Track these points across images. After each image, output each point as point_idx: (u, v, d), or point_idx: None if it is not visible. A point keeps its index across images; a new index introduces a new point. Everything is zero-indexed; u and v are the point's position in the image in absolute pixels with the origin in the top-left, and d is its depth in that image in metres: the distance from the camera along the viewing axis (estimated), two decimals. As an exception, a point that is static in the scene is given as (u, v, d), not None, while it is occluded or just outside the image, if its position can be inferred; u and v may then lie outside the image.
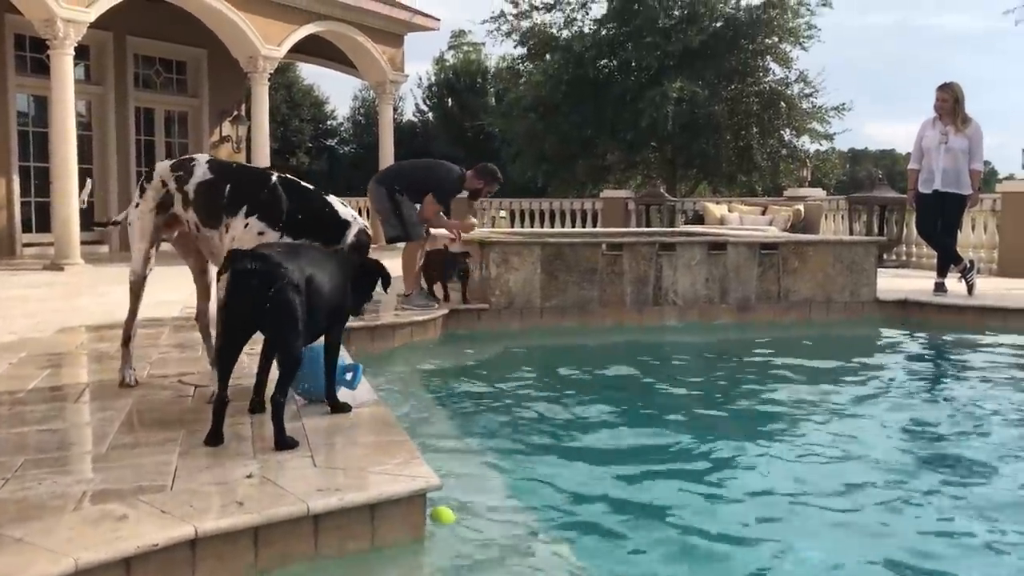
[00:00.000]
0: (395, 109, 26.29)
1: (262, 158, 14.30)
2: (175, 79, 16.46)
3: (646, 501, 3.39)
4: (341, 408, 3.68)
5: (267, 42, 13.98)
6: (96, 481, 2.82)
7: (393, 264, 4.99)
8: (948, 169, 8.59)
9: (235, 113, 16.68)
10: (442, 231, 7.92)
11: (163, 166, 4.16)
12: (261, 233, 3.87)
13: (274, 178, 4.04)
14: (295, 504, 2.60)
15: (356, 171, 32.30)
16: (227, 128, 16.78)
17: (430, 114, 37.78)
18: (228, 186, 3.97)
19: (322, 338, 3.61)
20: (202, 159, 4.13)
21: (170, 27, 14.79)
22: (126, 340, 4.29)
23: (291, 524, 2.57)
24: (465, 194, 7.99)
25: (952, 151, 8.58)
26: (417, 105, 38.59)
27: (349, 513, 2.67)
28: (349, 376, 3.94)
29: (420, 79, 38.23)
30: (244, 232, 3.87)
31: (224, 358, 3.23)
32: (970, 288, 8.54)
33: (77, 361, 5.16)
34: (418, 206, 7.47)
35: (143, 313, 4.48)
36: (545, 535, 3.02)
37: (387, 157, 16.56)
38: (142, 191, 4.17)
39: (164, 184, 4.08)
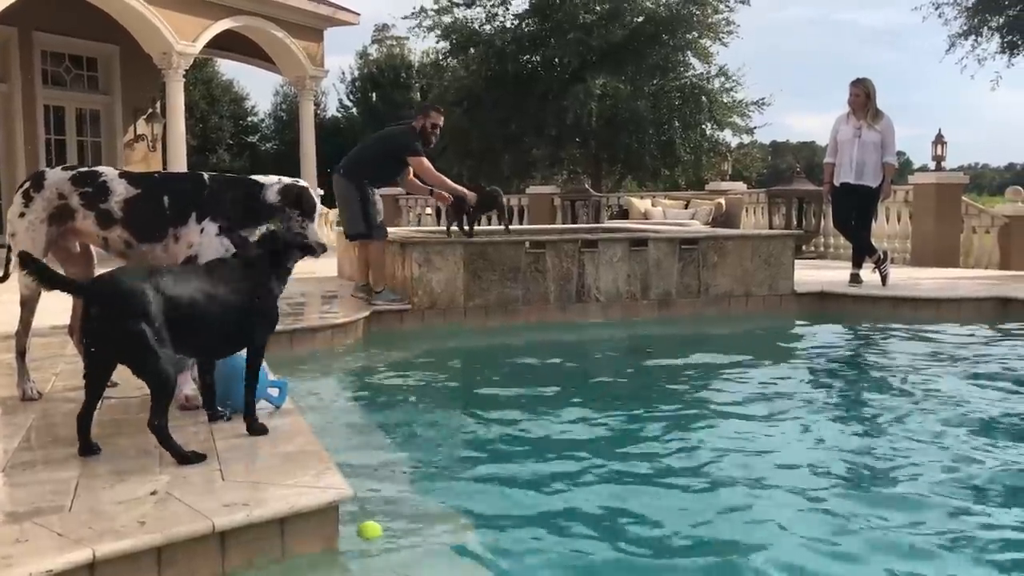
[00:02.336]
0: (317, 104, 25.94)
1: (179, 156, 13.96)
2: (86, 76, 15.95)
3: (568, 502, 3.38)
4: (258, 430, 3.44)
5: (181, 37, 13.62)
6: (-10, 503, 2.69)
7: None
8: (861, 162, 8.80)
9: (149, 111, 16.23)
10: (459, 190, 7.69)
11: (58, 176, 3.97)
12: (218, 235, 3.87)
13: (206, 176, 4.04)
14: (200, 521, 2.51)
15: (279, 168, 31.73)
16: (142, 126, 16.33)
17: (354, 109, 37.46)
18: (165, 197, 3.91)
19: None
20: (111, 173, 4.01)
21: (79, 22, 14.31)
22: (21, 353, 4.11)
23: (196, 542, 2.49)
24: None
25: (865, 145, 8.79)
26: (340, 100, 38.25)
27: (257, 528, 2.60)
28: (275, 393, 3.85)
29: (343, 74, 37.89)
30: (202, 237, 3.86)
31: (90, 379, 3.12)
32: (884, 278, 8.76)
33: (-22, 373, 4.95)
34: (379, 197, 7.41)
35: (49, 321, 4.33)
36: (468, 542, 2.98)
37: (309, 154, 16.33)
38: (27, 199, 3.95)
39: (62, 196, 3.91)
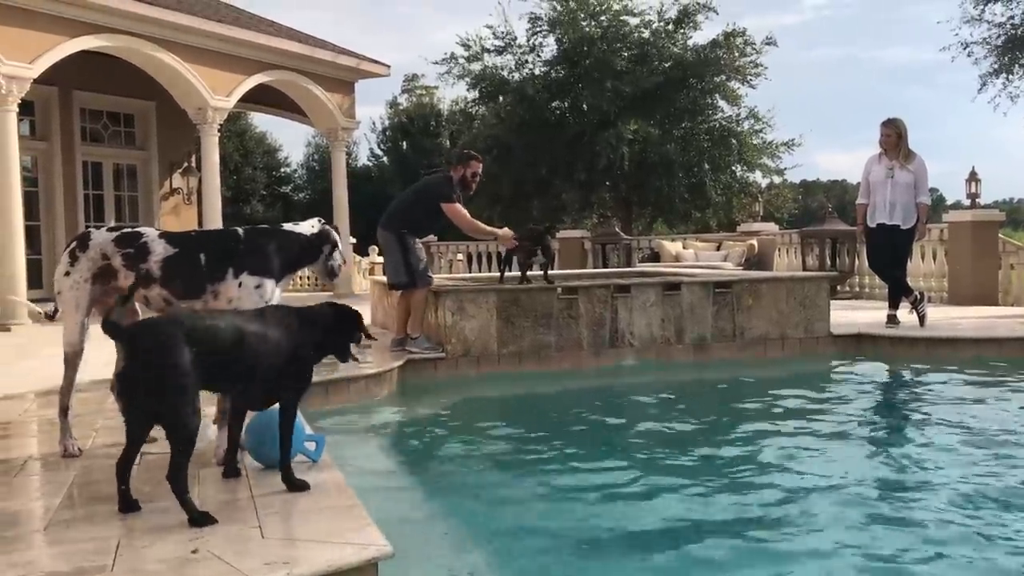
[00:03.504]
0: (348, 154, 26.25)
1: (214, 208, 14.15)
2: (123, 132, 16.32)
3: (605, 559, 3.34)
4: (298, 486, 3.40)
5: (216, 93, 13.90)
6: (32, 563, 2.70)
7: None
8: (895, 203, 8.73)
9: (185, 165, 16.54)
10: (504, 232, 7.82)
11: (103, 238, 4.10)
12: (259, 286, 4.02)
13: (240, 231, 4.19)
14: (241, 581, 2.51)
15: (312, 217, 32.10)
16: (177, 180, 16.63)
17: (384, 158, 37.84)
18: (202, 255, 4.05)
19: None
20: (151, 233, 4.15)
21: (117, 80, 14.67)
22: (63, 411, 4.17)
23: (237, 602, 2.49)
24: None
25: (898, 185, 8.73)
26: (371, 149, 38.66)
27: (297, 587, 2.59)
28: (312, 447, 3.86)
29: (374, 123, 38.35)
30: (240, 291, 4.00)
31: (129, 427, 3.12)
32: (922, 319, 8.65)
33: (23, 430, 5.01)
34: (420, 245, 7.53)
35: (90, 375, 4.39)
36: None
37: (341, 202, 16.50)
38: (73, 258, 4.08)
39: (105, 257, 4.03)
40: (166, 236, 4.14)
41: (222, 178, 15.71)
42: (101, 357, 4.25)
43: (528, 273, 7.95)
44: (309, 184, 39.27)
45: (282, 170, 40.07)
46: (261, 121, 37.08)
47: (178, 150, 16.47)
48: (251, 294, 4.00)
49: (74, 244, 4.14)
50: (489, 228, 7.70)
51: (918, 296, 8.83)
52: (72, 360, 4.20)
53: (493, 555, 3.36)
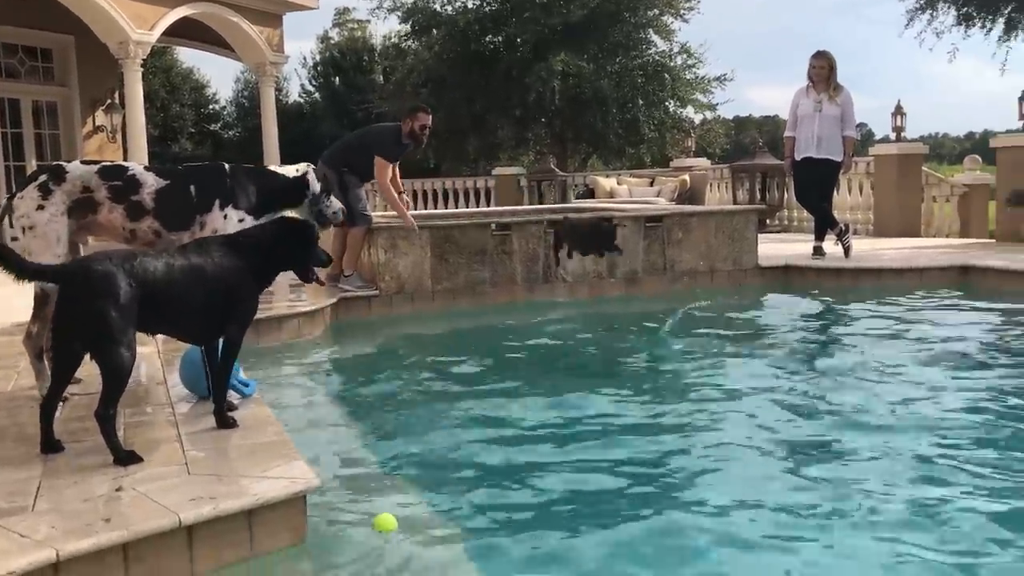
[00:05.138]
0: (279, 90, 25.72)
1: (139, 146, 13.74)
2: (41, 67, 15.65)
3: (538, 487, 3.40)
4: (227, 424, 3.38)
5: (138, 26, 13.39)
6: (-48, 506, 2.67)
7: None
8: (823, 136, 8.87)
9: (108, 102, 15.99)
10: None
11: (85, 169, 4.02)
12: (241, 220, 4.10)
13: (226, 166, 4.28)
14: (166, 516, 2.51)
15: (241, 155, 31.44)
16: (100, 118, 16.07)
17: (316, 94, 37.06)
18: (193, 187, 4.12)
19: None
20: (136, 166, 4.18)
21: (32, 12, 14.03)
22: (39, 354, 4.02)
23: (163, 538, 2.49)
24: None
25: (826, 119, 8.86)
26: (303, 85, 37.79)
27: (225, 521, 2.60)
28: (245, 379, 3.86)
29: (304, 59, 37.47)
30: (225, 223, 4.08)
31: (56, 365, 3.06)
32: (847, 251, 8.86)
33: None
34: (361, 190, 7.53)
35: (11, 318, 4.28)
36: (437, 529, 3.00)
37: (271, 140, 16.14)
38: (46, 192, 3.92)
39: (87, 190, 3.94)
40: (154, 169, 4.16)
41: (148, 116, 15.26)
42: (26, 299, 4.16)
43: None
44: (239, 121, 38.31)
45: (211, 107, 38.99)
46: (188, 56, 35.96)
47: (100, 86, 15.89)
48: (235, 228, 4.03)
49: (44, 177, 3.96)
50: (400, 208, 7.59)
51: (843, 228, 9.02)
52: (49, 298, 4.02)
53: (421, 487, 3.40)
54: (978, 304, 7.05)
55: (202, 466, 2.96)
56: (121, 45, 13.44)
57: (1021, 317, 6.68)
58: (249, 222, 4.08)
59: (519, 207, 13.44)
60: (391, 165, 7.56)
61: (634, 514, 3.10)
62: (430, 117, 7.75)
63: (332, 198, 4.45)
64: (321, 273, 3.83)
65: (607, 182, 15.86)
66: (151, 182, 4.04)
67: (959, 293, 7.45)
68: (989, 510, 3.03)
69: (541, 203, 15.45)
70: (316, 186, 4.38)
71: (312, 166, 4.47)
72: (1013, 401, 4.35)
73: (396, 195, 7.62)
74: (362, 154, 7.54)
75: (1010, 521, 2.94)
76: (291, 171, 4.39)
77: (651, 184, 15.50)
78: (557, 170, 17.18)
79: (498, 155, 25.48)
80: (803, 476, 3.44)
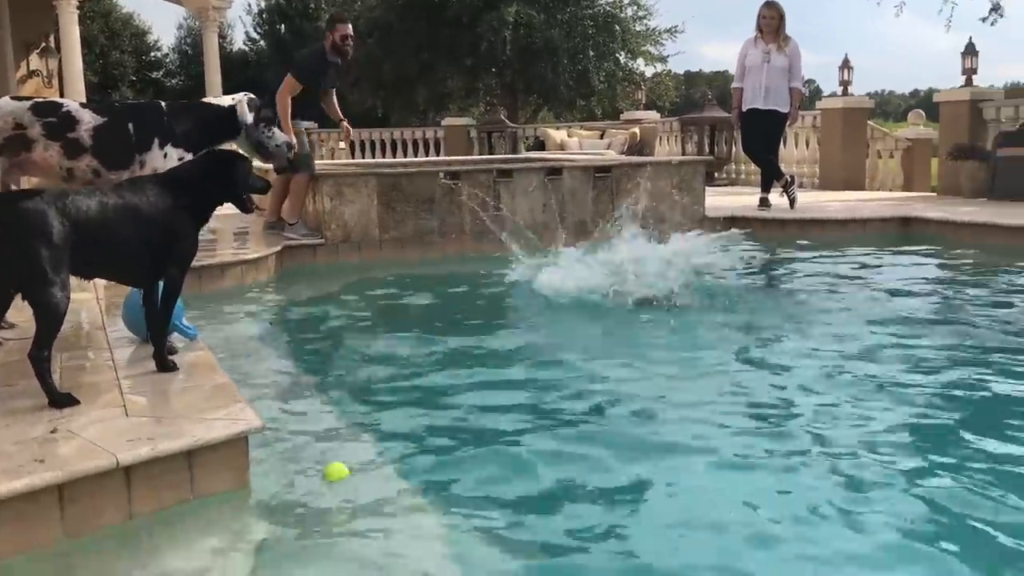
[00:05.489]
0: (223, 38, 25.14)
1: (77, 92, 13.33)
2: (-29, 8, 15.08)
3: (481, 427, 3.40)
4: (166, 366, 3.31)
5: (72, -34, 12.93)
6: None
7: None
8: (770, 87, 8.91)
9: (43, 45, 15.47)
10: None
11: (16, 105, 3.88)
12: (181, 158, 4.02)
13: (163, 104, 4.20)
14: (102, 457, 2.46)
15: (186, 105, 30.73)
16: (35, 62, 15.57)
17: (262, 42, 36.30)
18: (130, 124, 4.04)
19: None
20: (72, 103, 4.09)
21: (-40, -50, 13.48)
22: None
23: (99, 479, 2.44)
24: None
25: (774, 70, 8.89)
26: (248, 33, 37.00)
27: (164, 463, 2.56)
28: (188, 323, 3.79)
29: (249, 5, 36.67)
30: (165, 162, 3.99)
31: None
32: (792, 202, 8.95)
33: None
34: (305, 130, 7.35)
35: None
36: (378, 470, 2.99)
37: (215, 88, 15.76)
38: None
39: (19, 127, 3.80)
40: (91, 106, 4.08)
41: (87, 62, 14.78)
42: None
43: None
44: (182, 69, 37.44)
45: (152, 54, 38.04)
46: (127, 0, 34.90)
47: (34, 30, 15.36)
48: (174, 165, 3.93)
49: None
50: (286, 123, 7.05)
51: (789, 180, 9.11)
52: None
53: (368, 432, 3.38)
54: (919, 253, 7.19)
55: (141, 408, 2.90)
56: (55, -15, 12.98)
57: (961, 263, 6.84)
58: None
59: (469, 157, 13.34)
60: (295, 85, 7.23)
61: (591, 454, 3.11)
62: (349, 26, 7.52)
63: (275, 130, 4.30)
64: (259, 200, 3.74)
65: (557, 134, 15.81)
66: (88, 119, 3.93)
67: (901, 244, 7.59)
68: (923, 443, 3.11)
69: (491, 155, 15.36)
70: (248, 116, 4.23)
71: (250, 95, 4.32)
72: (950, 341, 4.45)
73: (285, 118, 7.21)
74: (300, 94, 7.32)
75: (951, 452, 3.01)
76: (227, 101, 4.29)
77: (601, 136, 15.48)
78: (507, 122, 17.08)
79: (448, 106, 25.26)
80: (734, 417, 3.48)
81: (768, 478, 2.89)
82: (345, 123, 7.99)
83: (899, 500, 2.71)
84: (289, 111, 7.20)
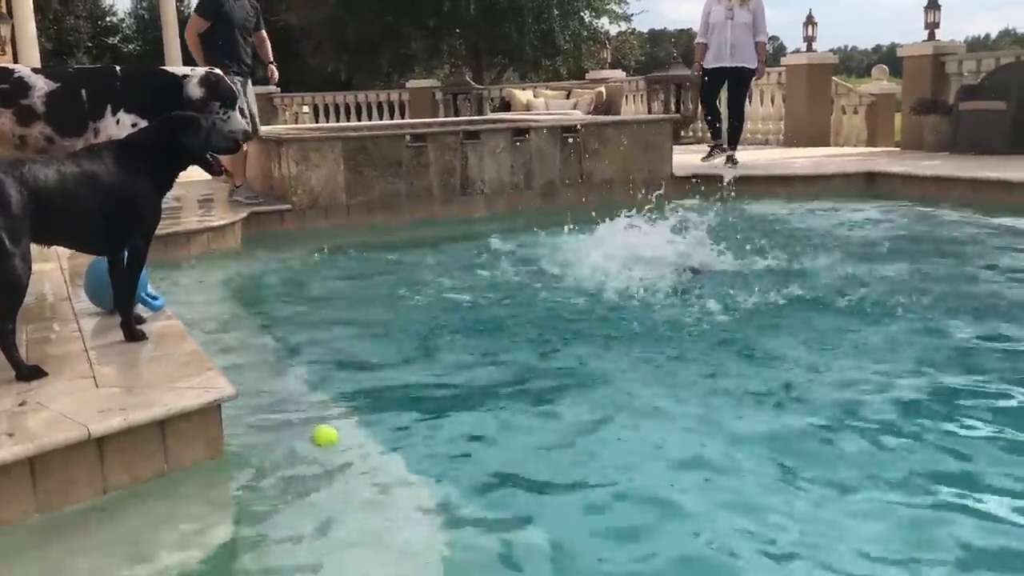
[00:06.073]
0: (180, 1, 24.59)
1: (32, 60, 13.02)
2: (-82, -27, 14.63)
3: (452, 394, 3.41)
4: (135, 336, 3.28)
5: (22, -71, 12.58)
6: None
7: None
8: (736, 44, 8.91)
9: (-6, 11, 15.07)
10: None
11: None
12: (135, 124, 3.92)
13: (117, 69, 4.11)
14: (74, 429, 2.44)
15: (144, 71, 30.14)
16: (-13, 28, 15.17)
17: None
18: (83, 90, 3.95)
19: None
20: (23, 68, 3.98)
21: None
22: None
23: (71, 451, 2.42)
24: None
25: (738, 26, 8.89)
26: (206, -4, 36.23)
27: (137, 433, 2.54)
28: (154, 293, 3.74)
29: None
30: (119, 128, 3.91)
31: None
32: (729, 159, 9.05)
33: None
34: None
35: None
36: (351, 437, 2.98)
37: (173, 54, 15.46)
38: None
39: None
40: (43, 71, 3.97)
41: (41, 28, 14.44)
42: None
43: None
44: (139, 35, 36.71)
45: (108, 20, 37.24)
46: (80, -36, 34.06)
47: (-16, -5, 14.95)
48: (128, 132, 3.82)
49: None
50: (198, 56, 7.17)
51: (722, 146, 9.21)
52: None
53: (343, 399, 3.37)
54: (884, 207, 7.27)
55: (111, 379, 2.88)
56: (5, -51, 12.61)
57: (924, 215, 6.93)
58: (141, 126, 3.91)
59: (435, 120, 13.23)
60: (199, 22, 7.20)
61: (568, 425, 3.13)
62: None
63: (234, 115, 4.03)
64: (226, 161, 3.66)
65: (523, 95, 15.70)
66: (41, 85, 3.85)
67: (865, 198, 7.66)
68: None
69: (457, 116, 15.24)
70: (195, 92, 4.03)
71: (214, 71, 4.21)
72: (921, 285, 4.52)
73: (193, 47, 7.26)
74: (212, 36, 7.15)
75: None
76: (181, 72, 4.19)
77: (568, 96, 15.39)
78: (472, 83, 16.94)
79: (412, 68, 25.01)
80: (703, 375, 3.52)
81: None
82: (272, 65, 7.82)
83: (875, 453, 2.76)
84: (200, 50, 7.16)
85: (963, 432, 2.89)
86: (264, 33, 7.68)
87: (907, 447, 2.80)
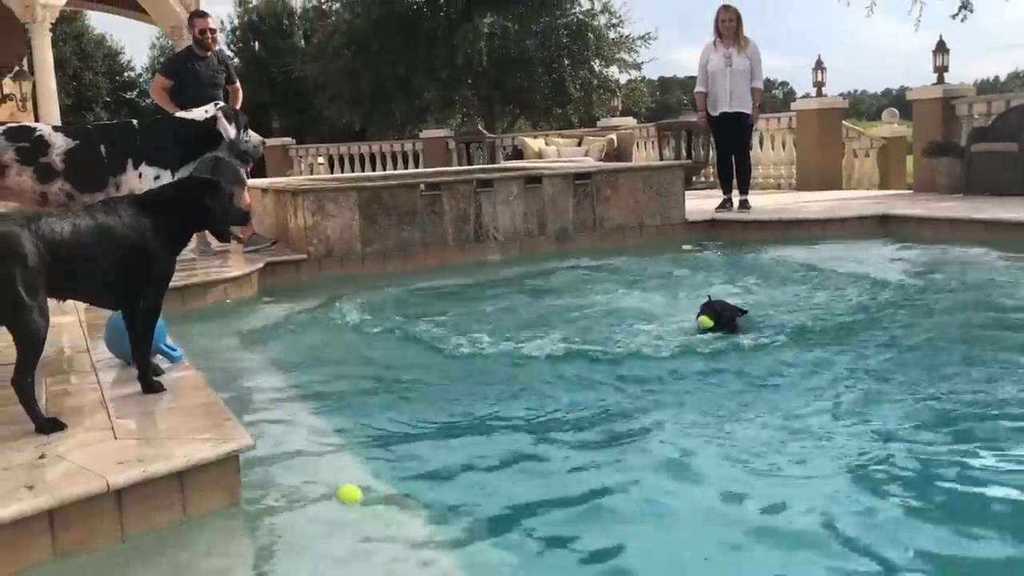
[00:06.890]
0: (197, 56, 24.97)
1: (51, 115, 13.24)
2: (-58, 33, 14.98)
3: (486, 442, 3.38)
4: (152, 387, 3.29)
5: (43, -12, 12.85)
6: None
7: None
8: (734, 92, 9.02)
9: (16, 68, 15.40)
10: None
11: None
12: (157, 177, 4.05)
13: (135, 123, 4.22)
14: (93, 481, 2.44)
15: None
16: (9, 86, 15.49)
17: (236, 59, 36.14)
18: (103, 147, 4.06)
19: None
20: (44, 127, 4.09)
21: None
22: None
23: (91, 503, 2.42)
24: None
25: (736, 73, 9.00)
26: (221, 50, 36.89)
27: (155, 484, 2.54)
28: (173, 344, 3.77)
29: (223, 23, 36.48)
30: (141, 182, 4.01)
31: None
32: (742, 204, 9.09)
33: None
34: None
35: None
36: (371, 495, 2.95)
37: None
38: None
39: None
40: (63, 129, 4.07)
41: (60, 84, 14.69)
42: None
43: None
44: (156, 89, 37.24)
45: (126, 75, 37.91)
46: (100, 22, 34.78)
47: (7, 53, 15.28)
48: (151, 186, 3.96)
49: None
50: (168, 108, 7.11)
51: (729, 201, 9.24)
52: None
53: (362, 450, 3.35)
54: (898, 249, 7.26)
55: (129, 431, 2.89)
56: (27, 9, 12.93)
57: (939, 255, 6.93)
58: (167, 177, 4.00)
59: (448, 168, 13.35)
60: (163, 81, 7.36)
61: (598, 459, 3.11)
62: (208, 20, 7.56)
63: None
64: (240, 232, 3.72)
65: (535, 143, 15.83)
66: (60, 143, 3.94)
67: (880, 240, 7.65)
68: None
69: (470, 165, 15.37)
70: (230, 131, 4.26)
71: (221, 104, 4.36)
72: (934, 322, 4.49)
73: (164, 101, 7.26)
74: (182, 93, 7.13)
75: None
76: (199, 113, 4.33)
77: (579, 144, 15.52)
78: (485, 132, 17.12)
79: (425, 118, 25.27)
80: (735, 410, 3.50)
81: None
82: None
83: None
84: (171, 105, 7.09)
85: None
86: (238, 85, 7.89)
87: None
